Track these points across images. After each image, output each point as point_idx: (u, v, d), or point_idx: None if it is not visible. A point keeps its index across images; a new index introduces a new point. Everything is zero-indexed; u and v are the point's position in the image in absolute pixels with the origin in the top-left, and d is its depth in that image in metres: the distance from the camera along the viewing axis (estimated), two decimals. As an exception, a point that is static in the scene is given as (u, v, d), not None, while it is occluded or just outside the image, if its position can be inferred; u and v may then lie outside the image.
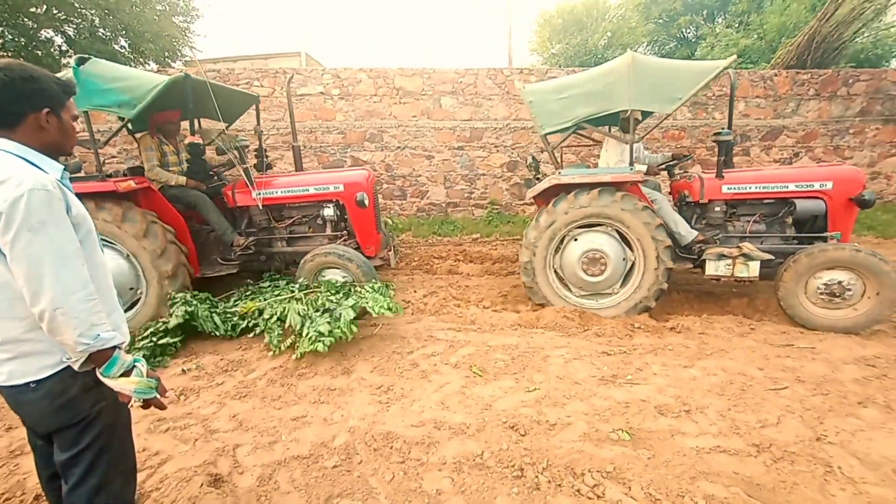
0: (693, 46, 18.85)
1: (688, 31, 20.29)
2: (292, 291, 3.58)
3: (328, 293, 3.34)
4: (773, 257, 3.76)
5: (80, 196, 2.62)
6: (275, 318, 3.30)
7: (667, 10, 19.58)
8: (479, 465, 2.10)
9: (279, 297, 3.52)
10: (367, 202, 4.07)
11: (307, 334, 2.98)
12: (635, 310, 3.85)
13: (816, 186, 3.81)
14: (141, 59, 10.22)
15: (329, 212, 4.15)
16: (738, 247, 3.80)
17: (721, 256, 3.80)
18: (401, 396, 2.66)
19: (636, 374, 2.87)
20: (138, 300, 3.71)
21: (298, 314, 3.17)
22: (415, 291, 4.57)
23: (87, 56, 3.42)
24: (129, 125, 4.17)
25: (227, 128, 4.57)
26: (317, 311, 3.17)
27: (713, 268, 3.84)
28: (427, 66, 6.66)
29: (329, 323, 3.02)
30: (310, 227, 4.34)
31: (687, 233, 3.95)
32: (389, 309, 3.22)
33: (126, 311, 3.71)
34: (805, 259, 3.49)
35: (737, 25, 17.54)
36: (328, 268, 3.86)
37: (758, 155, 7.03)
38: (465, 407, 2.55)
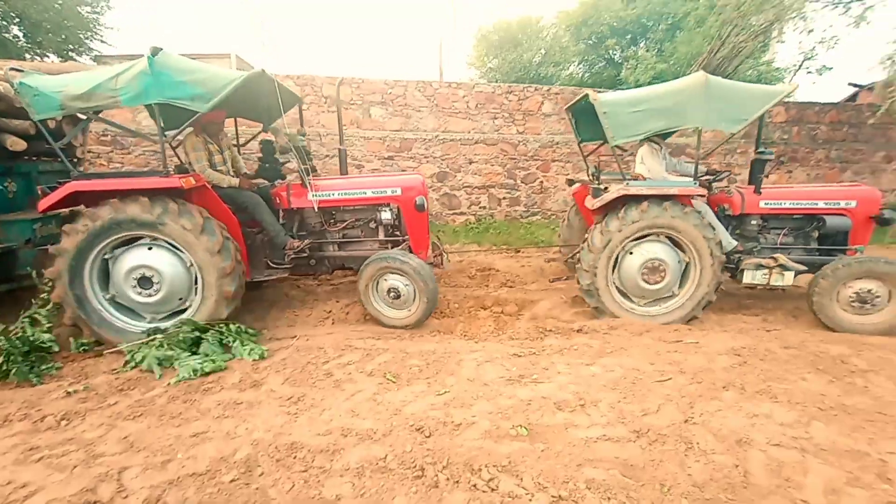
0: (619, 67, 20.28)
1: (614, 52, 21.85)
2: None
3: (188, 335, 3.21)
4: (807, 268, 4.12)
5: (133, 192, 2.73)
6: (131, 366, 3.07)
7: (595, 32, 20.94)
8: (382, 468, 2.15)
9: (138, 343, 3.29)
10: (426, 206, 4.07)
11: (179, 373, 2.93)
12: (699, 307, 4.07)
13: (842, 204, 4.22)
14: (38, 51, 9.32)
15: (387, 215, 4.11)
16: (773, 257, 4.15)
17: (759, 266, 4.11)
18: (311, 406, 2.65)
19: (542, 374, 3.06)
20: (185, 309, 3.58)
21: (157, 360, 3.02)
22: (337, 301, 4.55)
23: (160, 47, 3.20)
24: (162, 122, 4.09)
25: (265, 128, 4.48)
26: (185, 351, 3.09)
27: (750, 277, 4.14)
28: (356, 76, 6.69)
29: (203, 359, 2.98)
30: (362, 231, 4.29)
31: (727, 243, 4.18)
32: (254, 352, 3.17)
33: (174, 314, 3.60)
34: (842, 269, 3.85)
35: (655, 51, 19.16)
36: (389, 273, 3.82)
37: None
38: (374, 413, 2.59)
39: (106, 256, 3.46)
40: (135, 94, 3.14)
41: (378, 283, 3.87)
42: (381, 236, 4.22)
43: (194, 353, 3.01)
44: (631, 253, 4.07)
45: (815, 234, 4.37)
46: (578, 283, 4.20)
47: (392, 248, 4.17)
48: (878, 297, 3.85)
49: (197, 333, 3.17)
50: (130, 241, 3.48)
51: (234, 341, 3.09)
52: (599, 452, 2.25)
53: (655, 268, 4.01)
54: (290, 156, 3.90)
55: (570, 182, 5.60)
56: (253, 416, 2.53)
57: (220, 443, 2.32)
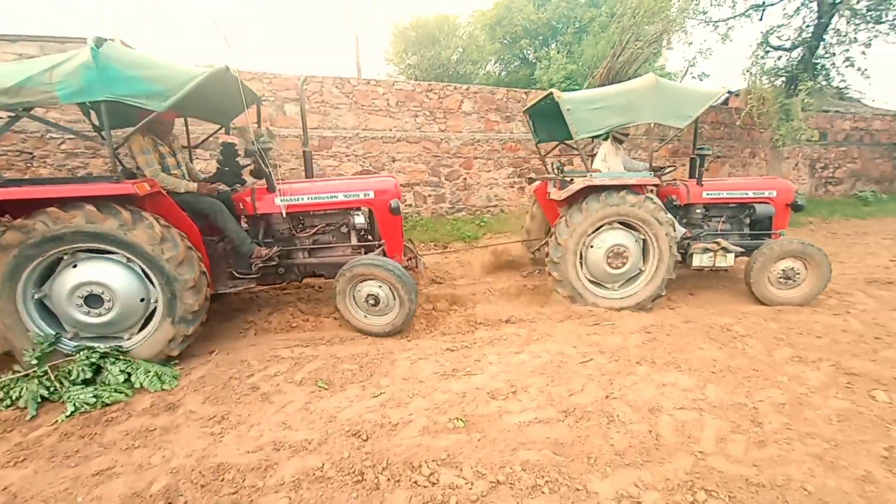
0: (533, 67, 21.30)
1: (528, 52, 22.88)
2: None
3: (84, 364, 2.83)
4: (744, 251, 4.57)
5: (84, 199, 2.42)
6: (5, 404, 2.66)
7: (509, 32, 21.75)
8: (320, 477, 2.08)
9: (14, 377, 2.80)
10: (400, 209, 3.93)
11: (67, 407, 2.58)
12: (663, 285, 4.35)
13: (766, 194, 4.77)
14: None
15: (360, 220, 3.92)
16: (716, 242, 4.56)
17: (705, 250, 4.51)
18: (237, 424, 2.48)
19: (474, 366, 3.15)
20: (153, 312, 3.15)
21: (35, 397, 2.65)
22: (259, 310, 4.30)
23: (104, 37, 2.77)
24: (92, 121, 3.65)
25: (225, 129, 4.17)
26: (74, 383, 2.73)
27: (699, 260, 4.54)
28: (268, 71, 6.32)
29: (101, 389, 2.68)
30: (334, 236, 4.06)
31: (678, 231, 4.51)
32: (160, 379, 2.89)
33: (140, 329, 3.17)
34: (769, 251, 4.36)
35: (565, 52, 20.38)
36: (365, 280, 3.62)
37: (579, 164, 8.29)
38: (308, 423, 2.49)
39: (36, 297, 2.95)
40: (75, 89, 2.74)
41: (355, 289, 3.69)
42: (354, 241, 4.05)
43: (89, 385, 2.65)
44: (591, 247, 4.33)
45: (747, 220, 4.94)
46: (549, 274, 4.38)
47: (365, 252, 4.03)
48: (798, 273, 4.46)
49: (95, 362, 2.79)
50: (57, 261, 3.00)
51: (136, 368, 2.77)
52: (532, 435, 2.38)
53: (619, 253, 4.30)
54: (253, 158, 3.58)
55: (531, 180, 5.80)
56: (170, 441, 2.32)
57: (132, 477, 2.09)
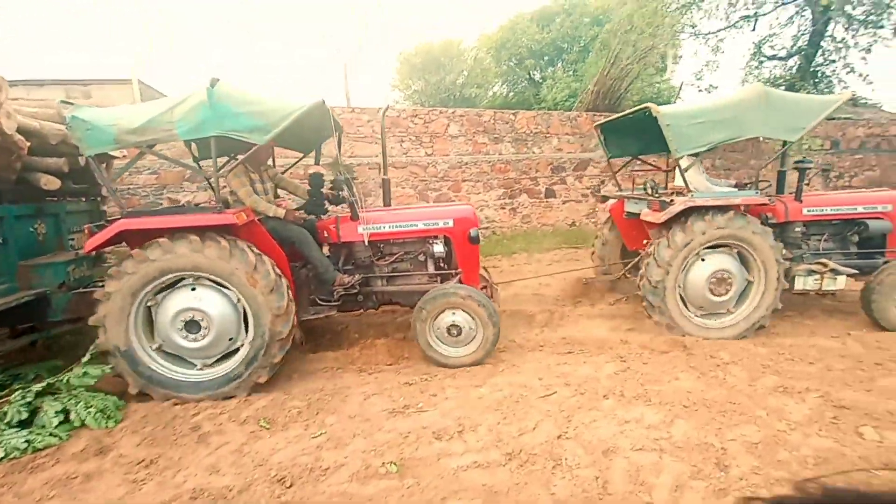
0: (539, 86, 21.44)
1: (534, 73, 23.06)
2: None
3: (19, 405, 2.73)
4: (858, 272, 4.15)
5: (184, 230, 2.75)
6: None
7: (514, 54, 22.02)
8: (228, 533, 1.96)
9: None
10: (479, 238, 3.92)
11: None
12: (752, 329, 4.01)
13: (880, 209, 4.33)
14: None
15: (439, 248, 3.91)
16: (822, 262, 4.15)
17: (810, 272, 4.12)
18: (164, 468, 2.39)
19: (428, 401, 3.00)
20: (237, 350, 3.25)
21: None
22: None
23: (217, 78, 3.03)
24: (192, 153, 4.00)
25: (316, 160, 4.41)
26: (9, 425, 2.64)
27: (802, 283, 4.14)
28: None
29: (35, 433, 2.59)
30: (411, 264, 4.07)
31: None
32: (104, 415, 2.82)
33: (222, 359, 3.28)
34: None
35: (571, 71, 20.44)
36: (449, 308, 3.55)
37: (572, 183, 8.15)
38: (237, 467, 2.38)
39: (149, 304, 3.18)
40: (192, 126, 3.01)
41: (436, 320, 3.60)
42: (431, 269, 4.03)
43: (25, 427, 2.61)
44: (703, 259, 4.00)
45: (855, 238, 4.45)
46: (644, 301, 4.09)
47: (442, 281, 3.99)
48: None
49: (31, 402, 2.74)
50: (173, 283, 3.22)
51: (77, 404, 2.73)
52: (467, 482, 2.20)
53: (723, 279, 3.97)
54: (339, 187, 3.74)
55: (604, 198, 5.47)
56: (87, 491, 2.24)
57: (40, 529, 2.02)
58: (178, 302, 3.14)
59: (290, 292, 3.31)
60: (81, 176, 4.04)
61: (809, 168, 4.38)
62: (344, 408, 2.96)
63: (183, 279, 3.18)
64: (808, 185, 4.56)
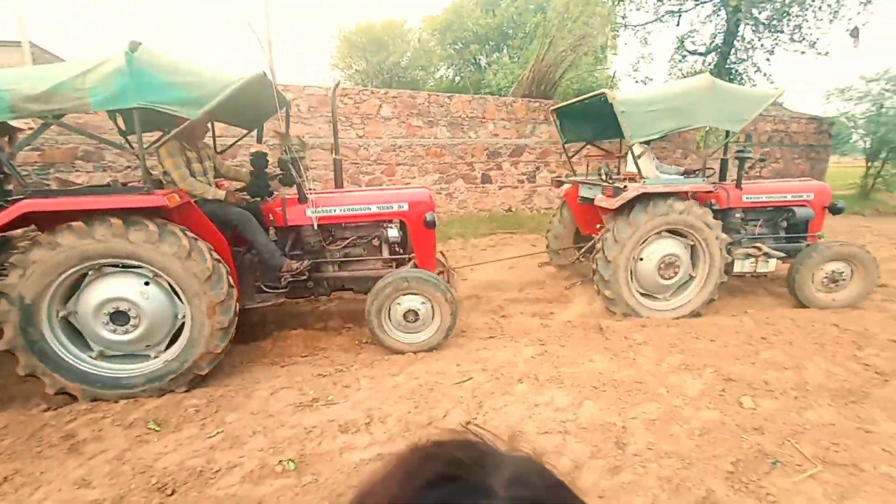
0: (485, 72, 21.40)
1: (480, 57, 22.97)
2: None
3: None
4: (786, 255, 4.40)
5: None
6: None
7: (460, 37, 21.80)
8: (89, 551, 1.75)
9: None
10: (435, 222, 3.77)
11: None
12: (703, 305, 4.20)
13: (804, 196, 4.59)
14: None
15: (393, 232, 3.81)
16: (756, 247, 4.37)
17: (747, 256, 4.34)
18: (21, 486, 2.10)
19: (340, 393, 2.87)
20: (180, 328, 3.04)
21: None
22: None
23: (139, 41, 2.70)
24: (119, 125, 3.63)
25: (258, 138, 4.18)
26: None
27: (740, 266, 4.38)
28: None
29: None
30: (365, 249, 3.93)
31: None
32: None
33: (167, 347, 3.06)
34: (816, 254, 4.25)
35: (516, 58, 20.55)
36: (406, 294, 3.45)
37: (508, 168, 8.21)
38: (112, 478, 2.14)
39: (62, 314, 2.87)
40: (108, 95, 2.65)
41: (391, 307, 3.48)
42: (386, 254, 3.91)
43: None
44: (641, 259, 4.14)
45: (784, 224, 4.77)
46: (598, 292, 4.18)
47: (397, 266, 3.87)
48: (843, 276, 4.34)
49: None
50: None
51: None
52: (367, 475, 2.12)
53: (671, 263, 4.14)
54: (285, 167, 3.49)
55: (559, 183, 5.48)
56: (-84, 517, 1.92)
57: None
58: (99, 294, 2.87)
59: (230, 280, 3.11)
60: None
61: (749, 158, 4.62)
62: (248, 404, 2.76)
63: (86, 275, 2.89)
64: (747, 174, 4.79)
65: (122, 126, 3.73)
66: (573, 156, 5.53)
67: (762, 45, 7.65)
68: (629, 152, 4.30)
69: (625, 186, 4.09)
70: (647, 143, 4.37)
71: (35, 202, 2.68)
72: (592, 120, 5.01)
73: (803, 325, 3.84)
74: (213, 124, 4.22)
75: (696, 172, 4.67)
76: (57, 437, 2.45)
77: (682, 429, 2.44)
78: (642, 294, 4.27)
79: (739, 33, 7.72)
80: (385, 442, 2.36)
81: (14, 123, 3.62)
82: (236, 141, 4.54)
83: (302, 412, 2.67)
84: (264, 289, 3.66)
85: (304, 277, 3.65)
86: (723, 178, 4.77)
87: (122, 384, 2.91)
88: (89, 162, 5.73)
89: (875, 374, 3.00)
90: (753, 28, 7.49)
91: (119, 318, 2.88)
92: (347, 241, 3.88)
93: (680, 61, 8.14)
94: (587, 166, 5.54)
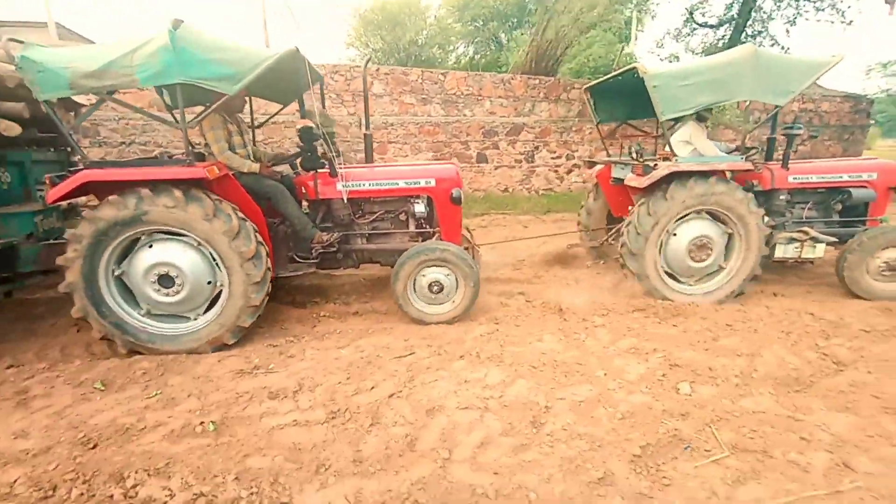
0: (504, 49, 20.85)
1: (501, 35, 22.35)
2: None
3: None
4: (837, 240, 4.14)
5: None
6: None
7: (479, 14, 21.23)
8: (6, 495, 1.90)
9: None
10: (461, 198, 3.84)
11: None
12: (745, 282, 4.01)
13: (864, 177, 4.26)
14: None
15: (420, 208, 3.89)
16: (803, 230, 4.12)
17: (790, 240, 4.10)
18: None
19: (283, 363, 2.97)
20: (218, 295, 3.30)
21: None
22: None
23: (181, 19, 2.83)
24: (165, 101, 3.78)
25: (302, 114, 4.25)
26: None
27: (783, 251, 4.13)
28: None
29: None
30: (392, 223, 4.05)
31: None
32: None
33: (206, 311, 3.33)
34: (870, 240, 3.94)
35: (533, 34, 19.90)
36: (430, 266, 3.57)
37: (505, 148, 8.05)
38: (47, 430, 2.30)
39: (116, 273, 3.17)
40: (154, 72, 2.83)
41: (415, 280, 3.61)
42: (412, 229, 4.02)
43: None
44: (675, 234, 3.98)
45: (838, 206, 4.40)
46: (623, 267, 4.09)
47: (423, 241, 3.96)
48: None
49: None
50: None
51: None
52: (278, 439, 2.20)
53: (703, 245, 3.97)
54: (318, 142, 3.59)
55: (592, 164, 5.34)
56: None
57: None
58: (147, 259, 3.14)
59: (259, 237, 3.31)
60: (49, 124, 3.77)
61: (799, 134, 4.25)
62: (194, 369, 2.90)
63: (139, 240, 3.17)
64: (795, 152, 4.47)
65: (168, 101, 3.88)
66: (607, 136, 5.31)
67: (782, 15, 7.10)
68: (666, 130, 4.10)
69: (655, 165, 3.94)
70: (677, 119, 4.18)
71: (93, 172, 2.94)
72: (627, 98, 4.76)
73: (777, 313, 3.69)
74: (251, 99, 4.36)
75: (736, 150, 4.35)
76: (10, 392, 2.64)
77: (606, 412, 2.41)
78: (668, 273, 4.10)
79: (757, 2, 7.18)
80: (305, 410, 2.43)
81: (76, 99, 3.87)
82: (272, 116, 4.67)
83: (241, 378, 2.77)
84: (297, 259, 3.83)
85: (334, 249, 3.80)
86: (769, 156, 4.45)
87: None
88: (87, 138, 5.97)
89: (831, 364, 2.86)
90: (774, -2, 6.97)
91: (165, 281, 3.15)
92: (376, 215, 4.00)
93: (688, 34, 7.68)
94: (620, 147, 5.38)
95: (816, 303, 3.94)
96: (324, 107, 4.27)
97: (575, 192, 8.66)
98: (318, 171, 3.89)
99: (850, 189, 4.27)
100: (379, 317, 3.77)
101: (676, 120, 4.39)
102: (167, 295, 3.18)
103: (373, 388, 2.64)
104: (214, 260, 3.20)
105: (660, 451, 2.11)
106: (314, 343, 3.28)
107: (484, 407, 2.45)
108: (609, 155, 5.34)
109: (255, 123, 4.59)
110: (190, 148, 3.09)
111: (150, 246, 3.15)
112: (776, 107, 3.94)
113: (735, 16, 7.27)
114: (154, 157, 3.82)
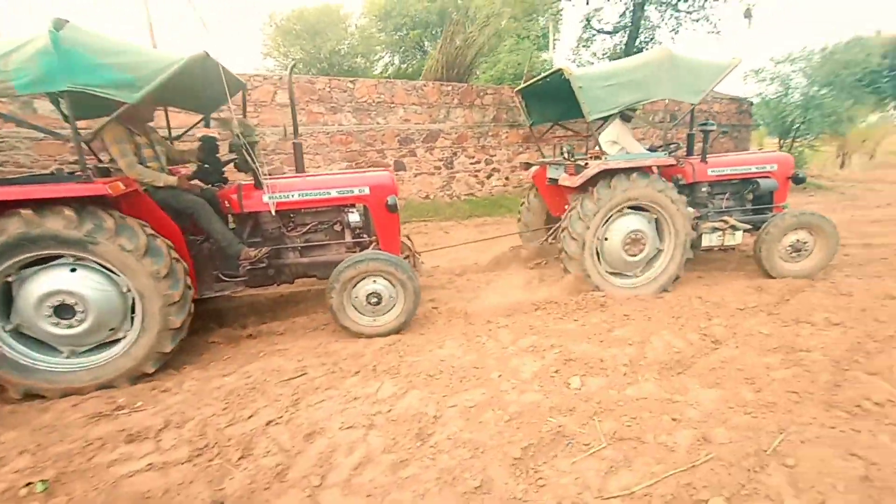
0: (428, 57, 21.00)
1: (424, 43, 22.54)
2: None
3: None
4: (752, 227, 4.42)
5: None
6: None
7: (402, 23, 21.31)
8: None
9: None
10: (398, 206, 3.72)
11: None
12: (669, 281, 4.18)
13: (768, 168, 4.61)
14: None
15: (354, 217, 3.71)
16: (724, 220, 4.40)
17: (714, 229, 4.35)
18: None
19: (154, 398, 2.67)
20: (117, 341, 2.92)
21: None
22: None
23: (65, 19, 2.49)
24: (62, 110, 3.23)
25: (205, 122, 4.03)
26: None
27: (708, 240, 4.38)
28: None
29: None
30: (326, 234, 3.85)
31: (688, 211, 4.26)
32: None
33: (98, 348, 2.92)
34: (780, 224, 4.23)
35: (441, 41, 20.19)
36: (367, 277, 3.37)
37: (423, 155, 8.04)
38: None
39: (9, 279, 2.72)
40: (33, 78, 2.48)
41: (351, 291, 3.38)
42: (348, 239, 3.83)
43: None
44: (606, 239, 4.10)
45: (749, 196, 4.75)
46: (566, 272, 4.13)
47: (360, 251, 3.75)
48: (807, 245, 4.35)
49: None
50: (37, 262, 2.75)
51: None
52: (126, 489, 1.93)
53: (636, 239, 4.09)
54: (238, 152, 3.27)
55: (527, 165, 5.39)
56: None
57: None
58: (50, 283, 2.72)
59: (187, 278, 3.04)
60: None
61: (713, 131, 4.54)
62: (40, 418, 2.51)
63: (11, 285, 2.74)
64: (711, 147, 4.74)
65: (65, 111, 3.42)
66: (540, 137, 5.44)
67: (666, 25, 7.80)
68: (595, 130, 4.29)
69: (586, 164, 4.08)
70: (604, 119, 4.39)
71: None
72: (557, 99, 4.88)
73: (671, 299, 3.90)
74: (166, 110, 4.12)
75: (661, 147, 4.61)
76: None
77: (495, 415, 2.36)
78: (611, 273, 4.23)
79: (646, 12, 7.80)
80: (166, 451, 2.17)
81: None
82: (191, 127, 4.30)
83: (96, 423, 2.43)
84: (223, 278, 3.57)
85: (264, 265, 3.56)
86: (689, 152, 4.76)
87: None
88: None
89: (710, 343, 3.04)
90: (657, 7, 7.59)
91: (64, 311, 2.75)
92: (308, 227, 3.81)
93: (588, 40, 8.15)
94: (554, 148, 5.51)
95: (706, 287, 4.21)
96: (244, 114, 4.07)
97: (496, 196, 8.82)
98: (219, 184, 3.72)
99: (758, 180, 4.66)
100: (275, 338, 3.51)
101: (604, 120, 4.65)
102: (68, 327, 2.78)
103: (251, 416, 2.42)
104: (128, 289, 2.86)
105: (541, 450, 2.08)
106: (195, 373, 2.98)
107: (369, 424, 2.32)
108: (543, 156, 5.50)
109: (172, 136, 4.20)
110: (85, 164, 2.72)
111: (73, 270, 2.77)
112: (691, 105, 4.22)
113: (628, 24, 7.86)
114: (50, 174, 3.45)
